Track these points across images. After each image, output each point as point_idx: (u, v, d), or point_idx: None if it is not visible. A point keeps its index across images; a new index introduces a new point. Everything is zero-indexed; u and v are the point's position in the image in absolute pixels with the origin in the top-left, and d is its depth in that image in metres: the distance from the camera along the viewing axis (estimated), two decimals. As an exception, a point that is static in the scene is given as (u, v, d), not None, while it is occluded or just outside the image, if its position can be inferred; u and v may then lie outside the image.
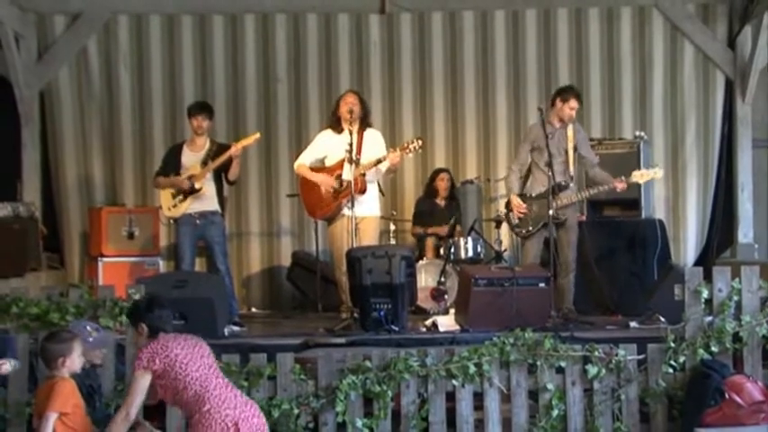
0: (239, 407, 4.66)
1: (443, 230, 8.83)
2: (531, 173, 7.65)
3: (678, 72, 9.61)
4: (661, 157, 9.42)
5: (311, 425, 5.76)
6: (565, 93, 7.57)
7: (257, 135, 7.82)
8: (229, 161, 7.55)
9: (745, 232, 9.49)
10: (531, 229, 7.50)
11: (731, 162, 9.58)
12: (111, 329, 5.74)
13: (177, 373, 4.63)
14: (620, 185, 7.46)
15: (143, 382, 4.64)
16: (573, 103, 7.48)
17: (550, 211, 7.28)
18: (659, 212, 9.25)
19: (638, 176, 7.56)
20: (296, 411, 5.72)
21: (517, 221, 7.58)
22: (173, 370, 4.63)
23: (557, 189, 7.36)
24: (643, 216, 8.57)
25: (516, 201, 7.53)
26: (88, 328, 5.28)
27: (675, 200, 9.58)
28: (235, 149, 7.52)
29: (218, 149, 7.66)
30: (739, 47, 9.46)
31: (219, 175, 7.69)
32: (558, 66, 9.64)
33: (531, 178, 7.65)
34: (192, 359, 4.70)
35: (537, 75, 9.65)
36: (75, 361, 4.80)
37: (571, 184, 7.53)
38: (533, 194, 7.54)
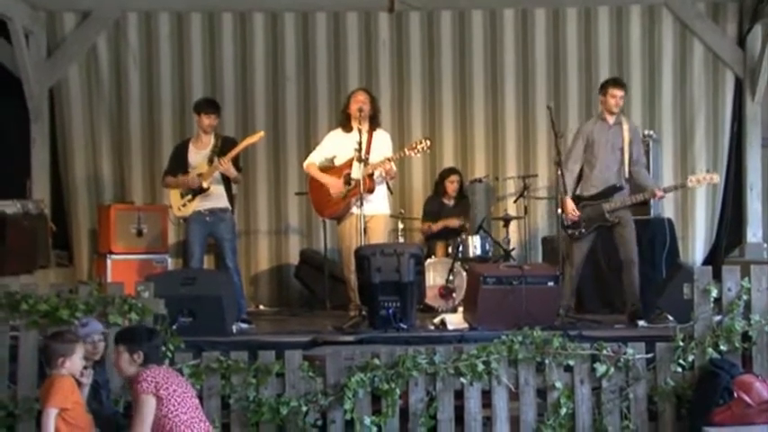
0: None
1: (453, 222, 8.84)
2: (583, 173, 7.50)
3: (687, 71, 9.58)
4: (670, 156, 9.44)
5: (319, 422, 5.76)
6: (603, 86, 7.45)
7: (261, 133, 7.75)
8: (236, 157, 7.53)
9: (754, 231, 9.47)
10: (583, 231, 7.38)
11: (740, 161, 9.56)
12: (121, 326, 5.73)
13: (169, 410, 4.61)
14: (659, 194, 7.42)
15: (150, 405, 4.60)
16: (613, 91, 7.33)
17: (568, 215, 7.30)
18: (668, 211, 9.23)
19: (695, 181, 7.46)
20: (304, 409, 5.72)
21: (570, 223, 7.45)
22: (166, 406, 4.61)
23: (611, 191, 7.30)
24: (652, 215, 8.56)
25: (570, 205, 7.36)
26: (76, 323, 5.30)
27: (684, 199, 9.54)
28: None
29: (223, 144, 7.61)
30: (749, 46, 9.43)
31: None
32: (568, 64, 9.62)
33: (584, 178, 7.50)
34: (184, 399, 4.69)
35: (546, 73, 9.64)
36: (75, 363, 4.81)
37: (626, 186, 7.40)
38: (586, 195, 7.42)
